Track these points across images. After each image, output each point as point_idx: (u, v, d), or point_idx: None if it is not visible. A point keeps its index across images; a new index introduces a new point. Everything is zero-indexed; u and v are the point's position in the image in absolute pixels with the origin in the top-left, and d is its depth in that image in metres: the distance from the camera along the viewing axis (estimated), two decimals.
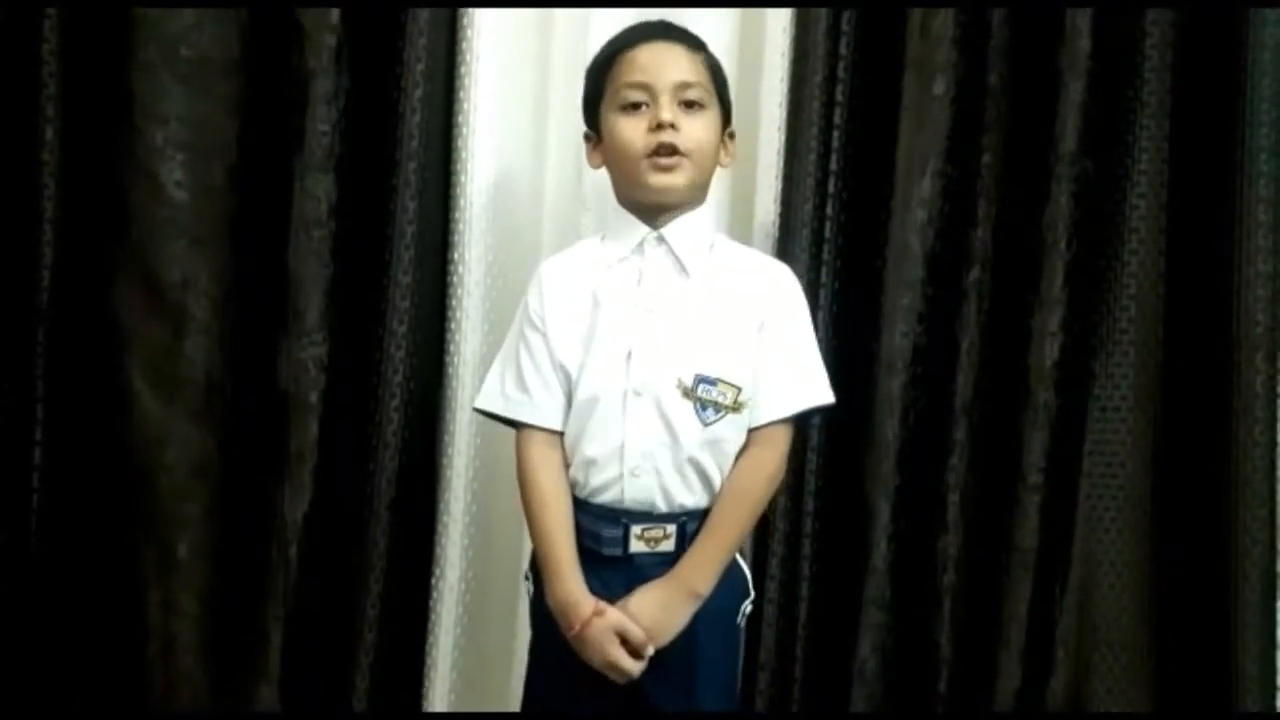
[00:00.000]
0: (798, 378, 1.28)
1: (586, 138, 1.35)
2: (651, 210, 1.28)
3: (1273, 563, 1.44)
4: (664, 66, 1.27)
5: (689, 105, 1.27)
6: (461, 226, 1.51)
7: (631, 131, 1.26)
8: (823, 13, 1.46)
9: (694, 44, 1.32)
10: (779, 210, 1.49)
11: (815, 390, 1.30)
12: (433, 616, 1.53)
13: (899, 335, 1.49)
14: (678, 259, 1.28)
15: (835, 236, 1.50)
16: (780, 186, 1.49)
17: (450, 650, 1.53)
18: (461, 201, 1.51)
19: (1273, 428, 1.44)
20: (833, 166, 1.48)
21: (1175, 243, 1.49)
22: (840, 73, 1.48)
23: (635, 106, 1.27)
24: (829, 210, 1.49)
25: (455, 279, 1.52)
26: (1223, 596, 1.45)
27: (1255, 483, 1.44)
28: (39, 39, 1.48)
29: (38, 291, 1.51)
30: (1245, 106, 1.43)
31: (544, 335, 1.28)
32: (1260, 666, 1.43)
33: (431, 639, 1.54)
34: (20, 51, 1.48)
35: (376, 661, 1.50)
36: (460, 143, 1.51)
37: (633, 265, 1.29)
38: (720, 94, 1.32)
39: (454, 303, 1.52)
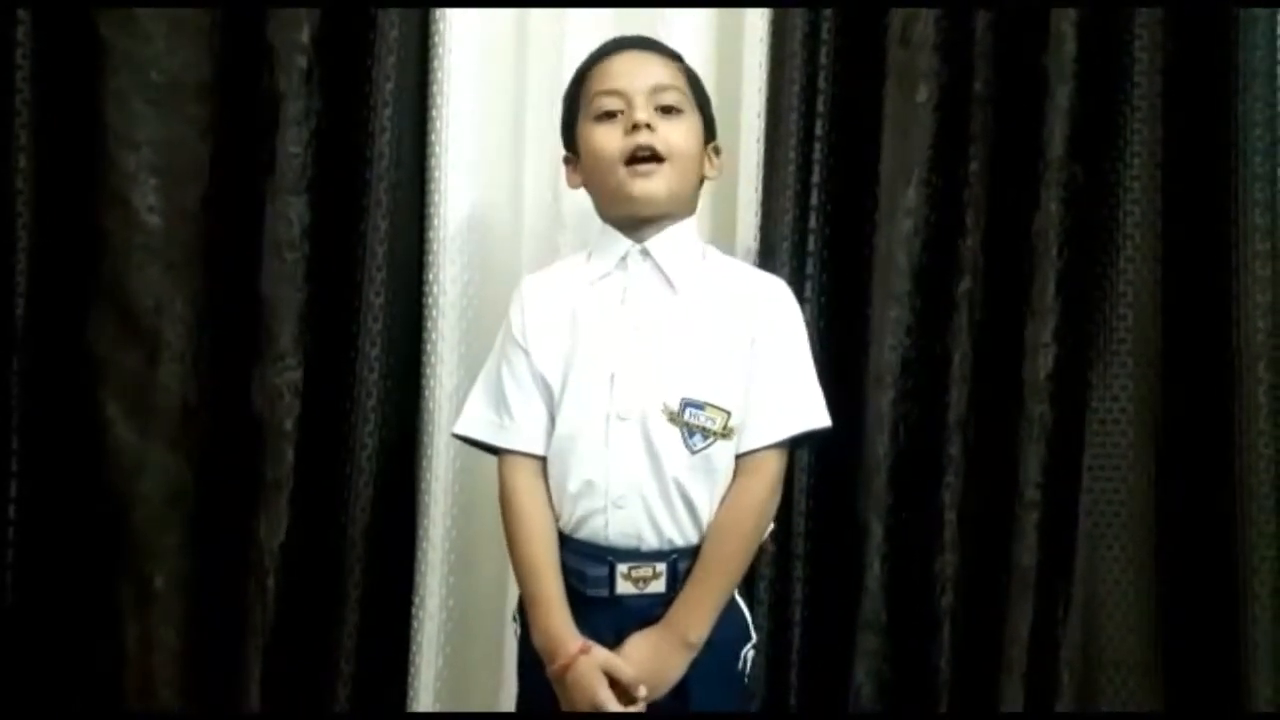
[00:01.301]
0: (790, 399, 1.22)
1: (565, 160, 1.31)
2: (635, 223, 1.23)
3: None
4: (638, 72, 1.24)
5: (666, 111, 1.22)
6: (436, 246, 1.49)
7: (606, 138, 1.22)
8: (799, 21, 1.44)
9: (669, 54, 1.29)
10: (759, 223, 1.46)
11: (809, 413, 1.22)
12: (414, 646, 1.50)
13: (887, 349, 1.46)
14: (664, 273, 1.23)
15: (819, 249, 1.47)
16: (760, 199, 1.46)
17: (432, 681, 1.50)
18: (436, 221, 1.49)
19: (1278, 439, 1.40)
20: (814, 178, 1.46)
21: (1171, 249, 1.46)
22: (820, 83, 1.45)
23: (610, 115, 1.22)
24: (812, 223, 1.46)
25: (430, 300, 1.49)
26: (1232, 614, 1.40)
27: (1261, 496, 1.39)
28: (12, 67, 1.48)
29: (12, 320, 1.49)
30: (1238, 108, 1.40)
31: (526, 352, 1.23)
32: (1273, 687, 1.38)
33: (413, 669, 1.50)
34: None
35: (355, 693, 1.46)
36: (433, 161, 1.49)
37: (616, 281, 1.23)
38: (700, 104, 1.28)
39: (430, 324, 1.50)
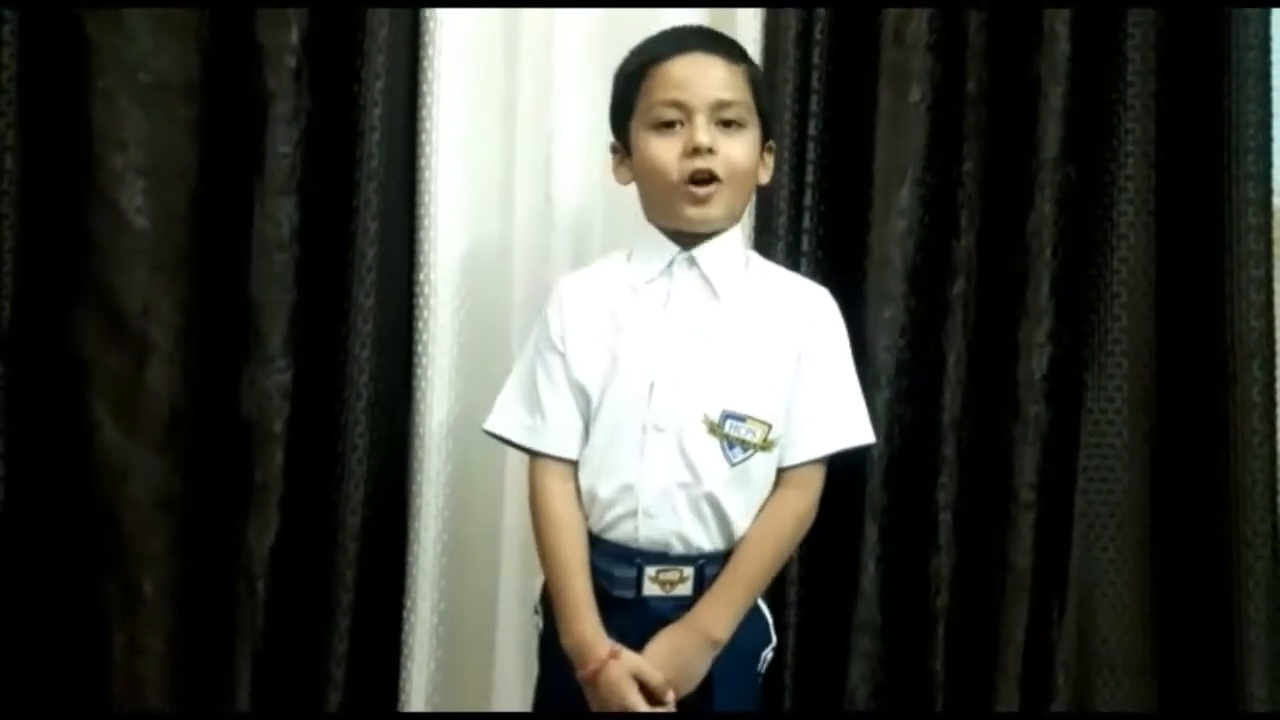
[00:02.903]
0: (835, 414, 1.21)
1: (613, 149, 1.26)
2: (684, 235, 1.21)
3: (1277, 578, 1.39)
4: (701, 82, 1.18)
5: (726, 124, 1.18)
6: (426, 247, 1.48)
7: (665, 154, 1.18)
8: (793, 20, 1.43)
9: (734, 55, 1.22)
10: (753, 224, 1.46)
11: (854, 429, 1.22)
12: (405, 650, 1.49)
13: (882, 350, 1.46)
14: (708, 282, 1.21)
15: (813, 250, 1.46)
16: (754, 200, 1.45)
17: (424, 685, 1.48)
18: (426, 221, 1.48)
19: (1272, 438, 1.41)
20: (808, 178, 1.46)
21: (1165, 249, 1.46)
22: (814, 83, 1.45)
23: (668, 125, 1.18)
24: (805, 223, 1.46)
25: (421, 301, 1.48)
26: (1226, 614, 1.41)
27: (1255, 495, 1.40)
28: None
29: None
30: (1230, 107, 1.41)
31: (563, 356, 1.21)
32: (1267, 686, 1.38)
33: (404, 673, 1.49)
34: None
35: (347, 698, 1.45)
36: (424, 162, 1.48)
37: (660, 287, 1.21)
38: (760, 108, 1.23)
39: (420, 325, 1.49)
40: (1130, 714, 1.46)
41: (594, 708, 1.15)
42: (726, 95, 1.19)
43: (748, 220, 1.46)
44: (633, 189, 1.26)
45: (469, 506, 1.51)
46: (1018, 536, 1.43)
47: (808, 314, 1.23)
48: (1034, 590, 1.43)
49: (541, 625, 1.25)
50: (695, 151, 1.17)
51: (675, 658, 1.15)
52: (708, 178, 1.17)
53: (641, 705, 1.13)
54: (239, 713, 1.46)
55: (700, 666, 1.16)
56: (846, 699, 1.45)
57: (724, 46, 1.24)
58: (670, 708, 1.14)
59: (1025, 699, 1.44)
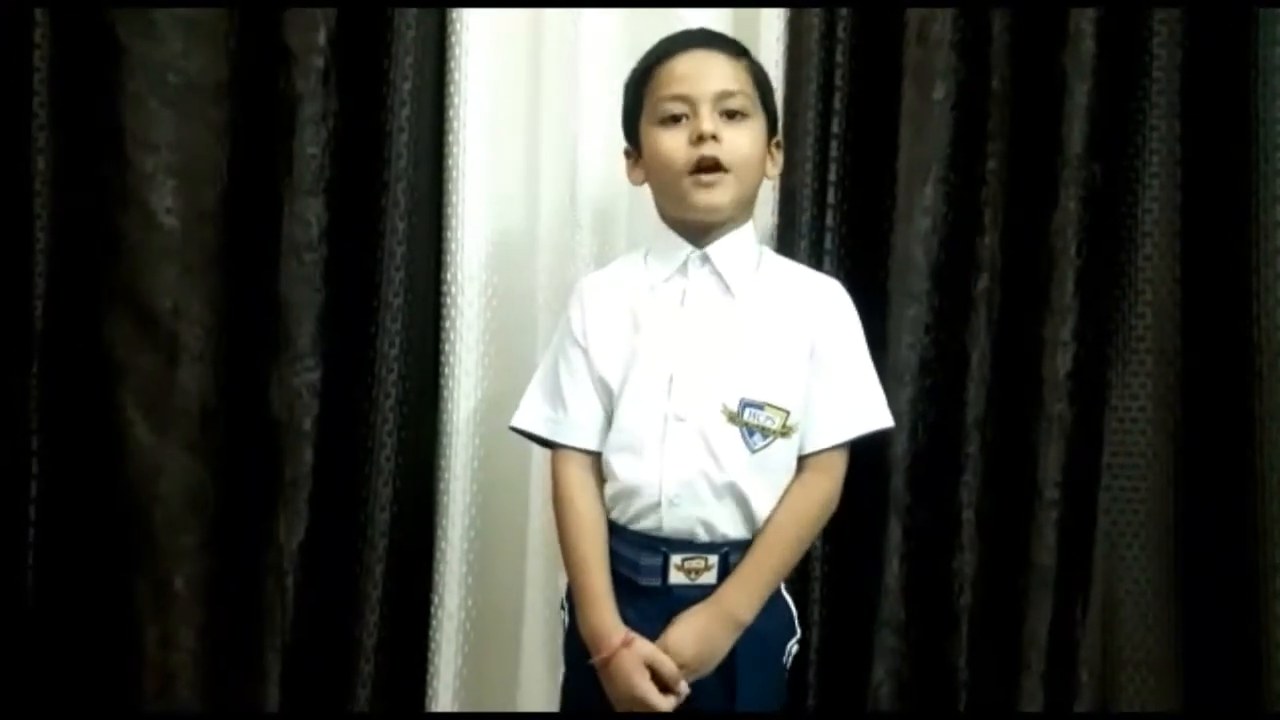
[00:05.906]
0: (853, 401, 1.25)
1: (626, 153, 1.31)
2: (696, 228, 1.25)
3: None
4: (703, 76, 1.23)
5: (731, 115, 1.22)
6: (454, 246, 1.50)
7: (671, 145, 1.22)
8: (816, 20, 1.43)
9: (735, 50, 1.27)
10: (776, 222, 1.46)
11: (873, 414, 1.26)
12: (432, 646, 1.50)
13: (905, 348, 1.46)
14: (722, 279, 1.24)
15: (836, 248, 1.47)
16: (777, 198, 1.46)
17: (451, 681, 1.50)
18: (454, 221, 1.49)
19: None
20: (831, 176, 1.46)
21: (1190, 246, 1.46)
22: (837, 81, 1.45)
23: (675, 119, 1.22)
24: (829, 221, 1.46)
25: (449, 300, 1.50)
26: (1252, 614, 1.39)
27: None
28: (30, 69, 1.48)
29: (31, 322, 1.50)
30: (1257, 104, 1.40)
31: (585, 352, 1.25)
32: None
33: (432, 669, 1.50)
34: (11, 83, 1.48)
35: (375, 693, 1.46)
36: (451, 162, 1.49)
37: (676, 286, 1.25)
38: (765, 102, 1.27)
39: (448, 324, 1.50)
40: (1155, 713, 1.46)
41: (608, 692, 1.18)
42: (729, 86, 1.23)
43: (771, 219, 1.47)
44: None
45: (496, 503, 1.53)
46: (1041, 534, 1.43)
47: (820, 306, 1.26)
48: (1058, 588, 1.43)
49: (567, 620, 1.27)
50: (700, 139, 1.20)
51: (701, 643, 1.18)
52: (714, 165, 1.20)
53: (653, 692, 1.15)
54: (268, 708, 1.48)
55: (724, 647, 1.18)
56: (870, 696, 1.46)
57: (725, 43, 1.28)
58: (684, 692, 1.16)
59: (1049, 697, 1.44)
